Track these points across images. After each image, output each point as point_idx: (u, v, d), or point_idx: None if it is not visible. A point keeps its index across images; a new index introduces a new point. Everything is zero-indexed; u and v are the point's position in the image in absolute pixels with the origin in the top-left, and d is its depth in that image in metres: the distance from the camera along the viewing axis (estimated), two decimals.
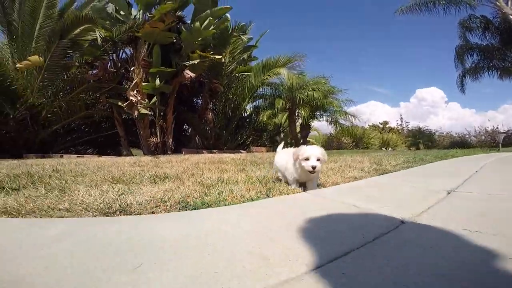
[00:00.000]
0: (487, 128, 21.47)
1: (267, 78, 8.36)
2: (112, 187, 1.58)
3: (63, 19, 6.96)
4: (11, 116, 7.23)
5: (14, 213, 1.14)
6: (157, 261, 0.74)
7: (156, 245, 0.85)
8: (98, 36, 6.13)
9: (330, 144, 11.43)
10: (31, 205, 1.19)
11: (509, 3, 13.03)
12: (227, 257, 0.75)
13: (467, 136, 20.99)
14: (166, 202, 1.31)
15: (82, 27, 6.71)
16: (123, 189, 1.52)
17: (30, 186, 1.63)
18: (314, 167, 1.71)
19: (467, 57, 14.75)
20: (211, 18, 7.05)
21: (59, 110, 7.33)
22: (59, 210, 1.16)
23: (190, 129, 9.33)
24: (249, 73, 8.74)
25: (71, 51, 7.20)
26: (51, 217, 1.13)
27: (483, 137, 20.93)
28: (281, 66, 8.39)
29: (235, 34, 7.78)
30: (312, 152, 1.79)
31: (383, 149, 12.43)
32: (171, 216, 1.19)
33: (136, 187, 1.63)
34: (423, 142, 17.48)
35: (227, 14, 7.80)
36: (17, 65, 6.74)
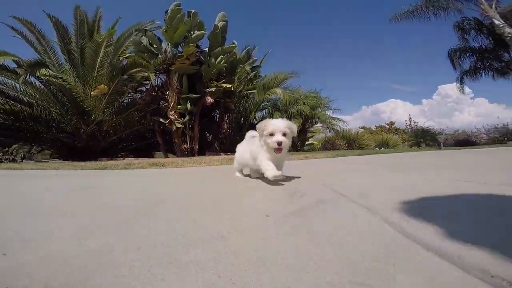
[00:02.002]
0: (496, 126, 23.70)
1: (267, 96, 11.69)
2: (195, 164, 4.98)
3: (125, 62, 10.46)
4: (82, 131, 10.98)
5: (177, 168, 4.56)
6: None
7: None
8: (152, 78, 9.57)
9: (325, 146, 14.49)
10: (181, 167, 4.61)
11: (493, 6, 14.97)
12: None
13: (476, 133, 23.10)
14: (220, 164, 4.71)
15: (137, 69, 10.25)
16: (200, 164, 4.92)
17: (164, 165, 5.05)
18: (279, 143, 1.64)
19: (463, 59, 16.88)
20: (222, 56, 10.46)
21: (117, 125, 10.96)
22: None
23: (210, 136, 12.84)
24: (254, 91, 12.08)
25: (128, 82, 10.52)
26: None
27: (491, 135, 23.17)
28: (278, 85, 11.71)
29: (241, 65, 11.19)
30: (277, 125, 1.67)
31: (377, 148, 15.31)
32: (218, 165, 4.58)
33: (203, 163, 5.03)
34: (425, 142, 20.07)
35: (235, 48, 11.31)
36: (92, 93, 10.15)
